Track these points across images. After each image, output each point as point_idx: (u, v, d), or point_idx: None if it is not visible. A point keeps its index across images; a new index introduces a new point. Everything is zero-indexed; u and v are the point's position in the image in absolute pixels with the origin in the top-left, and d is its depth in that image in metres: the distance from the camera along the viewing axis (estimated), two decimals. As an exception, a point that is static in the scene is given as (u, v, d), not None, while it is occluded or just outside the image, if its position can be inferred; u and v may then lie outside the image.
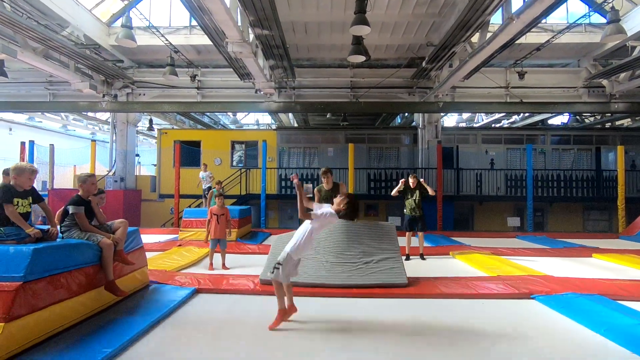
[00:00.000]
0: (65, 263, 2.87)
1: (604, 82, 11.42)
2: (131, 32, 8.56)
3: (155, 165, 14.52)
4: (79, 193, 3.46)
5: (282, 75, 11.38)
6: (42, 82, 12.55)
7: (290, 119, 17.94)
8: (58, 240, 3.07)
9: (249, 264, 6.23)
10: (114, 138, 13.35)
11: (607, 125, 15.94)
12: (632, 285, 4.49)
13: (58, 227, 3.29)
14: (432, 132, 12.64)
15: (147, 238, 8.64)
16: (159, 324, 3.25)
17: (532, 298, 4.11)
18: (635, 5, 9.51)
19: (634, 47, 9.81)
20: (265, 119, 21.39)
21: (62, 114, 18.41)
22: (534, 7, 6.11)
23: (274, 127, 19.53)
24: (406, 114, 16.42)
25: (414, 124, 14.92)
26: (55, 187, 12.78)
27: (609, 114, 13.91)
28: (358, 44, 8.68)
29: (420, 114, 12.85)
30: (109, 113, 14.08)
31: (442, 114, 13.46)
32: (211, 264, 5.93)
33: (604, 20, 9.34)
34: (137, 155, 14.45)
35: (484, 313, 3.79)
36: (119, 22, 11.19)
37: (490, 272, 5.27)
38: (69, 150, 15.91)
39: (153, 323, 3.17)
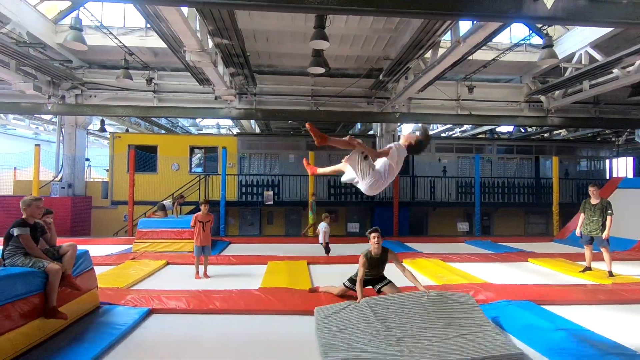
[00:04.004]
0: (7, 295, 2.77)
1: (542, 98, 12.51)
2: (81, 34, 8.13)
3: (107, 170, 13.83)
4: (23, 217, 3.33)
5: (242, 82, 11.31)
6: (-23, 79, 11.52)
7: (251, 123, 17.81)
8: (0, 269, 2.94)
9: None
10: (61, 141, 12.56)
11: (546, 135, 17.43)
12: (557, 291, 5.05)
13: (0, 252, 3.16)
14: (390, 140, 13.13)
15: (98, 249, 8.34)
16: (109, 351, 3.20)
17: (472, 306, 4.49)
18: (567, 30, 10.55)
19: (566, 68, 10.85)
20: (227, 121, 21.06)
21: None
22: (478, 33, 6.63)
23: (235, 130, 19.31)
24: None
25: (371, 132, 15.42)
26: (-8, 193, 11.82)
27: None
28: (318, 56, 8.93)
29: (379, 123, 13.33)
30: (55, 114, 13.20)
31: (398, 123, 14.03)
32: (197, 272, 6.00)
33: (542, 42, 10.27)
34: (88, 159, 13.67)
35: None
36: (66, 20, 10.58)
37: (437, 281, 5.67)
38: (9, 151, 14.72)
39: (102, 351, 3.12)
